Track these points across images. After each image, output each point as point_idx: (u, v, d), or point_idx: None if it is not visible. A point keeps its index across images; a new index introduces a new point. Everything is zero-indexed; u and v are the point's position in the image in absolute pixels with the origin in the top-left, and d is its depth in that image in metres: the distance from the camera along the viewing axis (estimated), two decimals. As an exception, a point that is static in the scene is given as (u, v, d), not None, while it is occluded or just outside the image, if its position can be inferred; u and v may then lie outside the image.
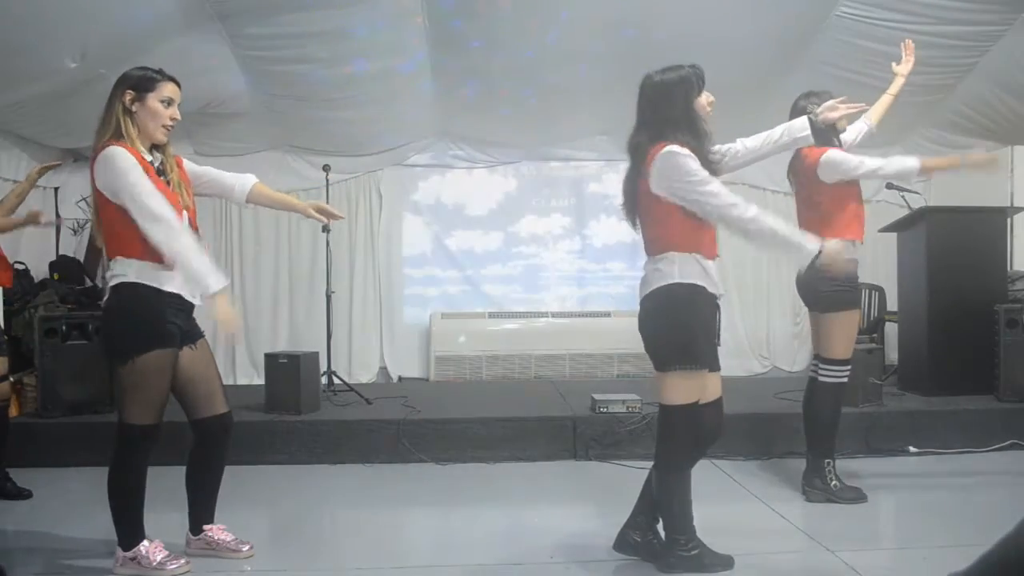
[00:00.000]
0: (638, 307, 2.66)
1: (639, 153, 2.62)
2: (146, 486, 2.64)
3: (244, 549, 2.79)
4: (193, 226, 2.66)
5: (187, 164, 2.77)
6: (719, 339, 2.65)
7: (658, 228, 2.59)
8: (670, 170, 2.49)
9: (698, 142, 2.55)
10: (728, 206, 2.48)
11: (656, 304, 2.58)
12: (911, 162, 3.34)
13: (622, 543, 2.74)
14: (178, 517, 2.89)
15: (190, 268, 2.50)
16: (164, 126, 2.60)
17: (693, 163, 2.48)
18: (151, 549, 2.63)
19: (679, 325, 2.54)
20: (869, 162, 3.29)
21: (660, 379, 2.61)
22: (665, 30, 4.69)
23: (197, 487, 2.80)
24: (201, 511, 2.81)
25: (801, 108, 3.30)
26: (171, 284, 2.57)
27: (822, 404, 3.42)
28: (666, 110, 2.57)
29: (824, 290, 3.31)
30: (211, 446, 2.77)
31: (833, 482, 3.40)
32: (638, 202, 2.65)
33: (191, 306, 2.67)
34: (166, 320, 2.56)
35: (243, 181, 2.84)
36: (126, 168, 2.47)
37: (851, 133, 3.50)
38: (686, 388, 2.56)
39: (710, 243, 2.60)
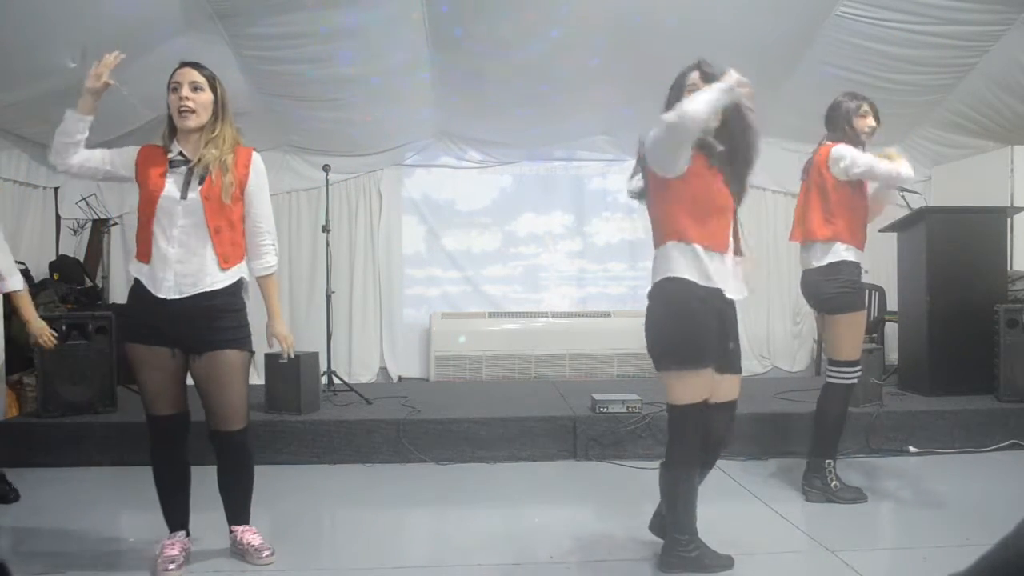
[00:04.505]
0: (640, 306, 2.65)
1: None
2: (170, 481, 2.72)
3: (265, 555, 2.76)
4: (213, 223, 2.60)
5: (251, 185, 2.69)
6: (735, 340, 2.63)
7: (660, 212, 2.52)
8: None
9: None
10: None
11: (651, 301, 2.56)
12: (906, 170, 3.27)
13: (656, 526, 2.76)
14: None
15: None
16: (180, 111, 2.64)
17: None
18: (166, 545, 2.69)
19: (667, 324, 2.50)
20: (864, 160, 3.25)
21: (660, 379, 2.60)
22: (665, 30, 4.68)
23: (222, 490, 2.82)
24: (229, 512, 2.84)
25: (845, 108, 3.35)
26: (142, 276, 2.61)
27: (830, 404, 3.41)
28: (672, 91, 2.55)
29: (829, 292, 3.32)
30: (222, 457, 2.76)
31: (833, 482, 3.40)
32: (648, 183, 2.59)
33: (186, 311, 2.57)
34: (136, 317, 2.63)
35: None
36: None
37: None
38: (684, 388, 2.53)
39: (717, 233, 2.49)
